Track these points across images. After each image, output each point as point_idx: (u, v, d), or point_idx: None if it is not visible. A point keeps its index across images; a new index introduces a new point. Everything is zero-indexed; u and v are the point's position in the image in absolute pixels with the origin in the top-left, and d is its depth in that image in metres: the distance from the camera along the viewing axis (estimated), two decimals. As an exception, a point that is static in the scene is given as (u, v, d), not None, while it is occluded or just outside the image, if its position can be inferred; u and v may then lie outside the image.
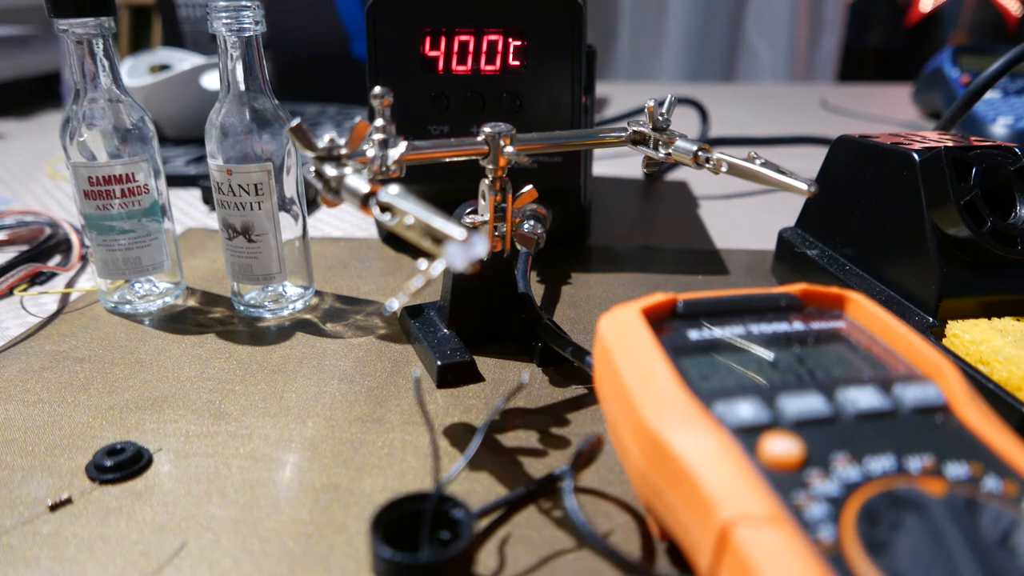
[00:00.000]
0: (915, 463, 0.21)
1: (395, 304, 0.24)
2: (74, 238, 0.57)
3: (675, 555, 0.27)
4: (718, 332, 0.27)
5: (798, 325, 0.27)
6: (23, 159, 0.91)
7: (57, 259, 0.57)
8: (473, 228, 0.39)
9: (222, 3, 0.40)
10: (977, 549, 0.18)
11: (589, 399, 0.37)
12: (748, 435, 0.22)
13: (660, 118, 0.41)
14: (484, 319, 0.42)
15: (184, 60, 0.93)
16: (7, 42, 1.22)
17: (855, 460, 0.21)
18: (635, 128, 0.43)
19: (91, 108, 0.42)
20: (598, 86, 0.68)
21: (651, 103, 0.41)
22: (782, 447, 0.21)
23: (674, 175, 0.83)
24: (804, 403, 0.22)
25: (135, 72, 0.90)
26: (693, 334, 0.27)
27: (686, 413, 0.22)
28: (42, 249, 0.57)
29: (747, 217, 0.69)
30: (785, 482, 0.20)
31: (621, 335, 0.27)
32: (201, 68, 0.86)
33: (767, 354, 0.26)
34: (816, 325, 0.28)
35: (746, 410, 0.22)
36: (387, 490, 0.30)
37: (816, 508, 0.19)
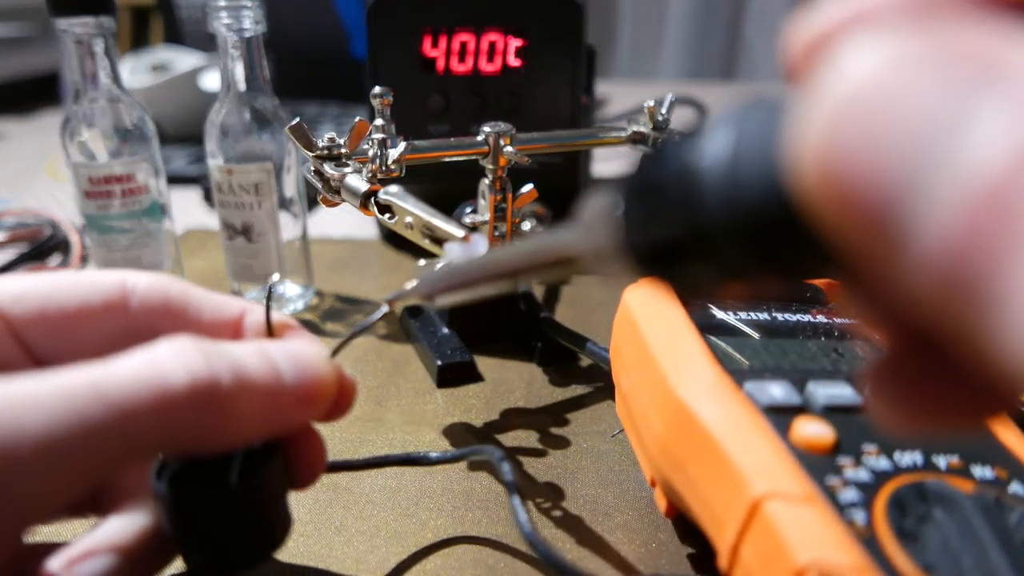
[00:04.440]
0: (942, 460, 0.21)
1: (393, 295, 0.23)
2: (74, 238, 0.57)
3: (673, 556, 0.27)
4: (744, 314, 0.27)
5: (822, 318, 0.28)
6: (23, 159, 0.91)
7: (57, 259, 0.57)
8: (473, 228, 0.39)
9: (222, 3, 0.40)
10: (1009, 547, 0.18)
11: (589, 399, 0.37)
12: (779, 415, 0.22)
13: (660, 118, 0.42)
14: (484, 319, 0.42)
15: (184, 60, 0.93)
16: (7, 42, 1.22)
17: (884, 451, 0.21)
18: (635, 128, 0.43)
19: (91, 108, 0.42)
20: (598, 86, 0.68)
21: (651, 103, 0.41)
22: (815, 430, 0.21)
23: (674, 175, 0.83)
24: (834, 391, 0.23)
25: (135, 72, 0.90)
26: (720, 313, 0.27)
27: (718, 387, 0.22)
28: (42, 249, 0.57)
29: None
30: (818, 464, 0.20)
31: (649, 306, 0.27)
32: (201, 68, 0.86)
33: (793, 341, 0.26)
34: (840, 320, 0.28)
35: (777, 391, 0.22)
36: (386, 490, 0.30)
37: (849, 492, 0.19)
